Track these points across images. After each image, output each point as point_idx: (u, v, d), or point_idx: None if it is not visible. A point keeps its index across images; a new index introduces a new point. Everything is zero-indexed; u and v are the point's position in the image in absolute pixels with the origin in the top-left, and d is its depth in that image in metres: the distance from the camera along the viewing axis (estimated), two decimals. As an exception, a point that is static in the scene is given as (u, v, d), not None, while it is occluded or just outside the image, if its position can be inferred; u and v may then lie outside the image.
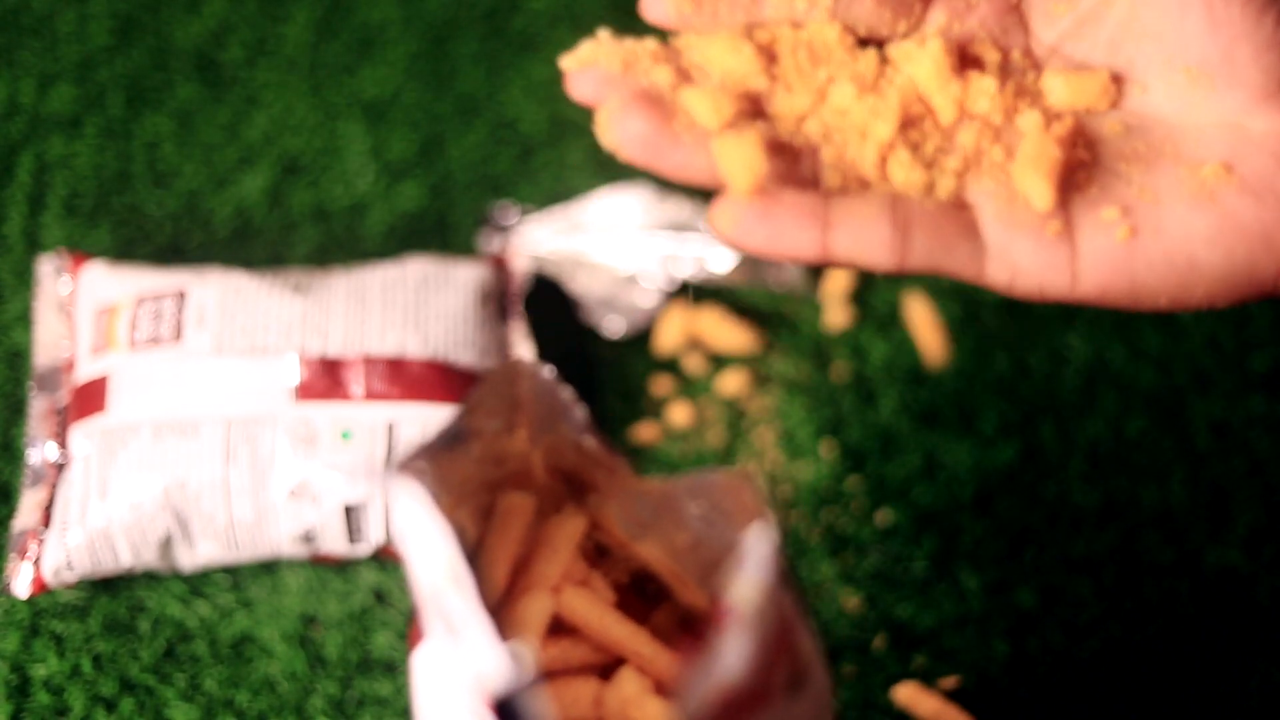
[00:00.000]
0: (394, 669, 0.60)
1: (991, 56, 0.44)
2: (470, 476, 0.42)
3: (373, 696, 0.59)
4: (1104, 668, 0.60)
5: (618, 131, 0.42)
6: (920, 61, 0.43)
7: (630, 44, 0.43)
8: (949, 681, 0.59)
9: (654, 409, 0.66)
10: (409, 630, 0.43)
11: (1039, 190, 0.41)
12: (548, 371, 0.42)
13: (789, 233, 0.40)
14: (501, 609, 0.42)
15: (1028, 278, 0.41)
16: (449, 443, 0.41)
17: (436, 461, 0.41)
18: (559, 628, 0.43)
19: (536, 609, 0.42)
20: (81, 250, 0.69)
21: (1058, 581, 0.62)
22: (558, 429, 0.43)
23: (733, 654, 0.37)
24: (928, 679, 0.59)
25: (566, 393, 0.42)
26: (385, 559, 0.62)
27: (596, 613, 0.42)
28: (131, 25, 0.77)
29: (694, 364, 0.67)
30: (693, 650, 0.37)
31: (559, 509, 0.44)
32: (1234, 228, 0.42)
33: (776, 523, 0.38)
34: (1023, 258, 0.41)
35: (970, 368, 0.67)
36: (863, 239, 0.40)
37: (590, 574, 0.44)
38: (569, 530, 0.43)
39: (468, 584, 0.37)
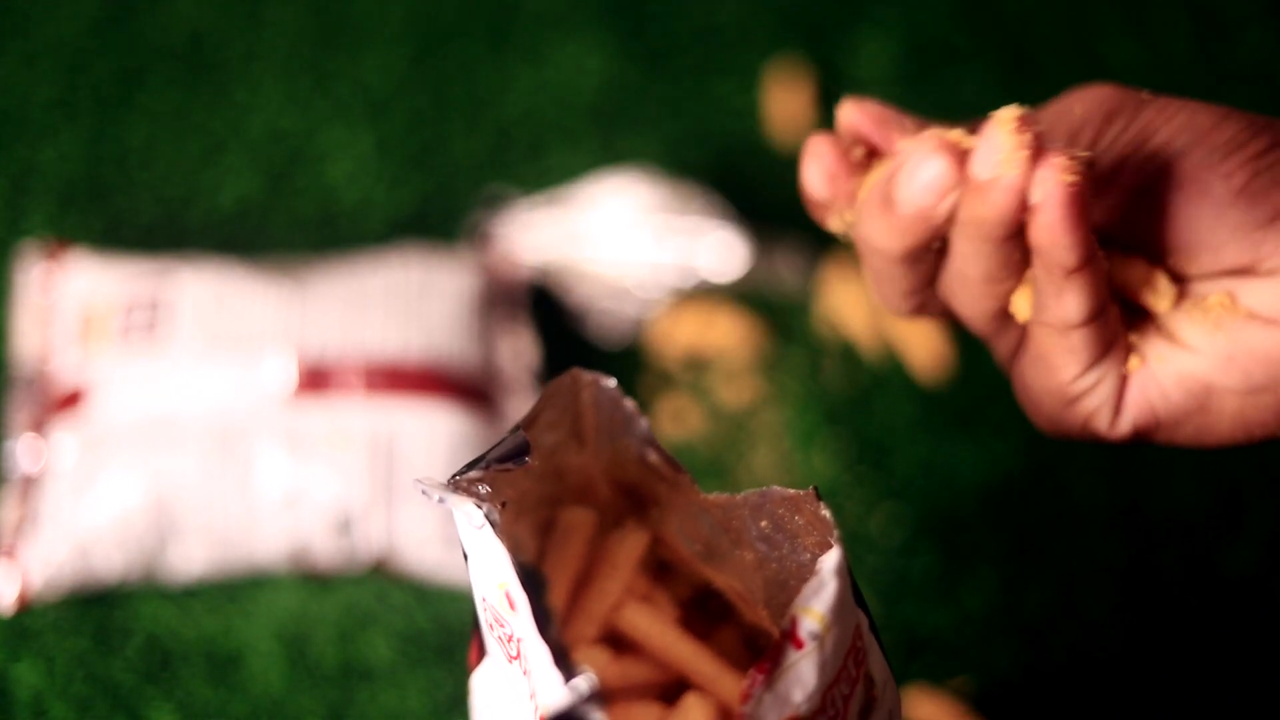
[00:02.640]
0: (386, 679, 0.59)
1: None
2: (529, 491, 0.41)
3: (365, 705, 0.58)
4: (1111, 670, 0.59)
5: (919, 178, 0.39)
6: None
7: None
8: (956, 682, 0.59)
9: (653, 414, 0.66)
10: (469, 648, 0.43)
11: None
12: (610, 382, 0.41)
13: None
14: (562, 626, 0.41)
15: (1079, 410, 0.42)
16: (507, 458, 0.40)
17: (493, 477, 0.40)
18: (620, 645, 0.42)
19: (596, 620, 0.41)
20: (68, 249, 0.68)
21: (1063, 583, 0.61)
22: (620, 441, 0.42)
23: (804, 680, 0.36)
24: (934, 679, 0.59)
25: (629, 404, 0.41)
26: (379, 569, 0.61)
27: (659, 630, 0.41)
28: (118, 18, 0.76)
29: (693, 368, 0.67)
30: (763, 676, 0.36)
31: (620, 524, 0.43)
32: (1246, 351, 0.40)
33: (843, 544, 0.38)
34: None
35: (973, 368, 0.66)
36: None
37: (653, 590, 0.42)
38: (631, 546, 0.42)
39: (525, 609, 0.36)
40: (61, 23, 0.75)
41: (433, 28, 0.76)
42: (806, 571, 0.40)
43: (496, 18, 0.76)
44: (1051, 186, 0.38)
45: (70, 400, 0.61)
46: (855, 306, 0.67)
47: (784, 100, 0.73)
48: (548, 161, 0.72)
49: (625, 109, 0.74)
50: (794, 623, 0.36)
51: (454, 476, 0.39)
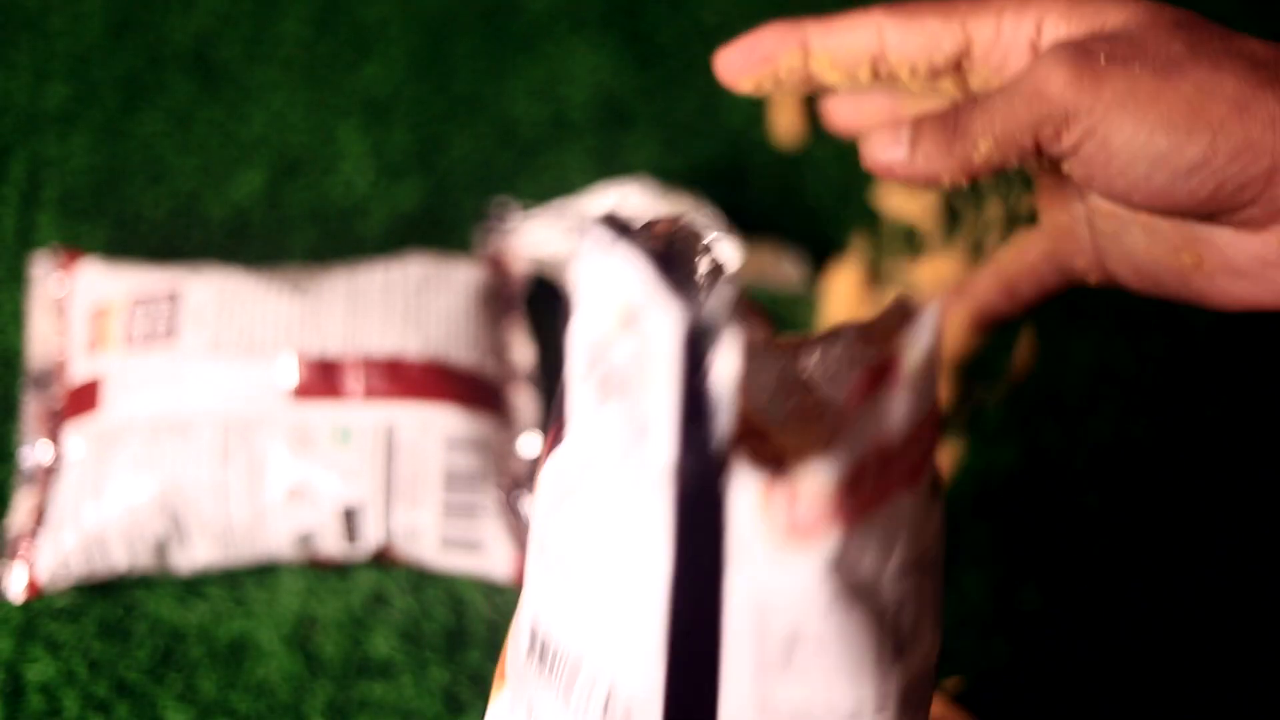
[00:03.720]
0: (391, 673, 0.59)
1: None
2: None
3: (370, 699, 0.59)
4: (1108, 669, 0.60)
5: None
6: None
7: None
8: (950, 683, 0.59)
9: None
10: (545, 440, 0.41)
11: None
12: (699, 219, 0.41)
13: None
14: None
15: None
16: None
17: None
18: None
19: None
20: (76, 249, 0.68)
21: (1060, 583, 0.62)
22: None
23: (898, 409, 0.37)
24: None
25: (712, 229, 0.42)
26: (384, 561, 0.62)
27: None
28: (126, 22, 0.77)
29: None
30: (863, 391, 0.37)
31: None
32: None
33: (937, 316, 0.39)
34: None
35: (971, 367, 0.67)
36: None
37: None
38: None
39: (659, 296, 0.36)
40: (70, 29, 0.76)
41: (433, 29, 0.76)
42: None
43: (496, 18, 0.77)
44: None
45: (82, 399, 0.62)
46: (855, 307, 0.68)
47: (784, 100, 0.73)
48: (548, 162, 0.72)
49: (626, 110, 0.74)
50: (896, 354, 0.37)
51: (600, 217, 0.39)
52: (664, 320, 0.36)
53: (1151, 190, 0.44)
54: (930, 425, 0.39)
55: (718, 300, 0.36)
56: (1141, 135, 0.43)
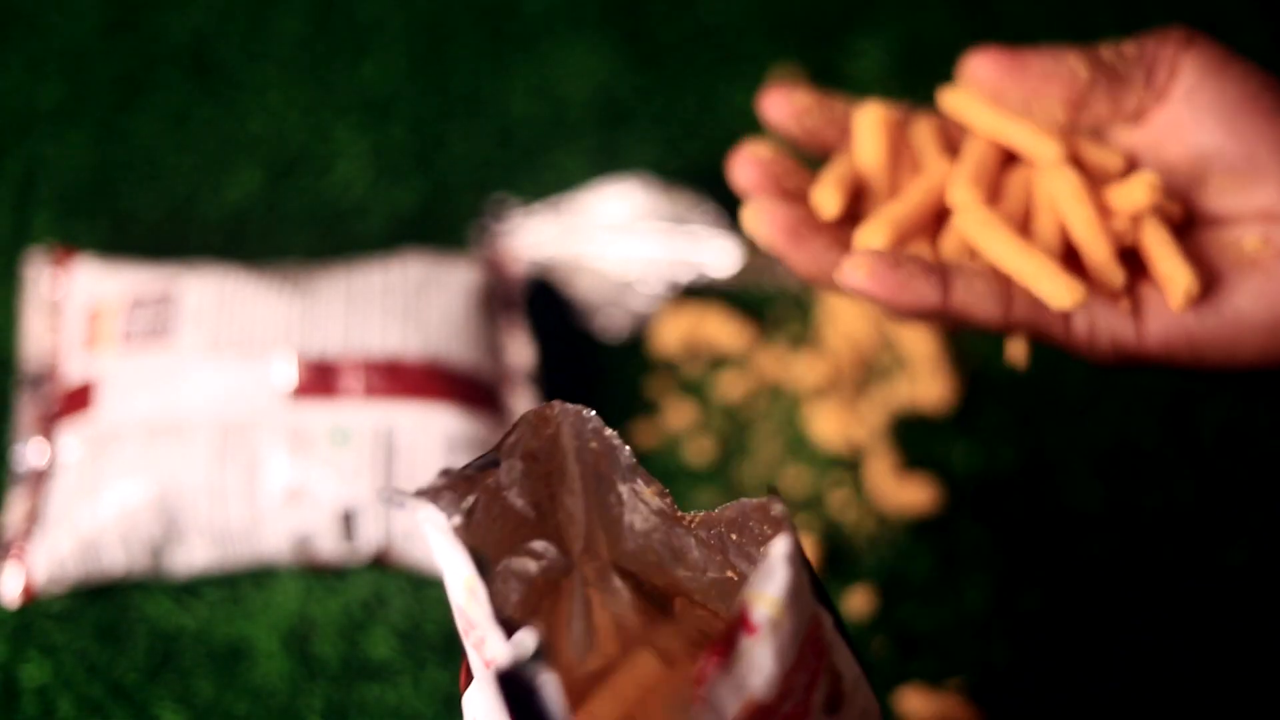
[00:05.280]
0: (389, 675, 0.59)
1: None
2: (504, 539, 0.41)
3: (369, 701, 0.59)
4: (1107, 670, 0.60)
5: (763, 220, 0.49)
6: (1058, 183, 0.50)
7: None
8: (953, 683, 0.59)
9: (652, 411, 0.66)
10: (460, 671, 0.43)
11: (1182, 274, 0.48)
12: (590, 413, 0.41)
13: (915, 284, 0.47)
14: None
15: (1103, 332, 0.48)
16: (478, 468, 0.40)
17: (467, 487, 0.40)
18: None
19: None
20: (72, 249, 0.68)
21: (1060, 584, 0.62)
22: (607, 497, 0.42)
23: (760, 665, 0.36)
24: (931, 680, 0.59)
25: (611, 435, 0.41)
26: (383, 562, 0.62)
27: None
28: (122, 20, 0.77)
29: (692, 366, 0.67)
30: (717, 660, 0.35)
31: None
32: (1275, 287, 0.48)
33: (797, 537, 0.37)
34: (1099, 317, 0.48)
35: (971, 368, 0.67)
36: (975, 295, 0.48)
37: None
38: (640, 673, 0.41)
39: (482, 596, 0.37)
40: (66, 27, 0.76)
41: (433, 29, 0.76)
42: None
43: (496, 18, 0.76)
44: (856, 279, 0.47)
45: (77, 399, 0.61)
46: (855, 305, 0.68)
47: (783, 100, 0.73)
48: (548, 161, 0.72)
49: (625, 109, 0.74)
50: (745, 608, 0.36)
51: (421, 488, 0.39)
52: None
53: None
54: (810, 654, 0.38)
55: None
56: None
